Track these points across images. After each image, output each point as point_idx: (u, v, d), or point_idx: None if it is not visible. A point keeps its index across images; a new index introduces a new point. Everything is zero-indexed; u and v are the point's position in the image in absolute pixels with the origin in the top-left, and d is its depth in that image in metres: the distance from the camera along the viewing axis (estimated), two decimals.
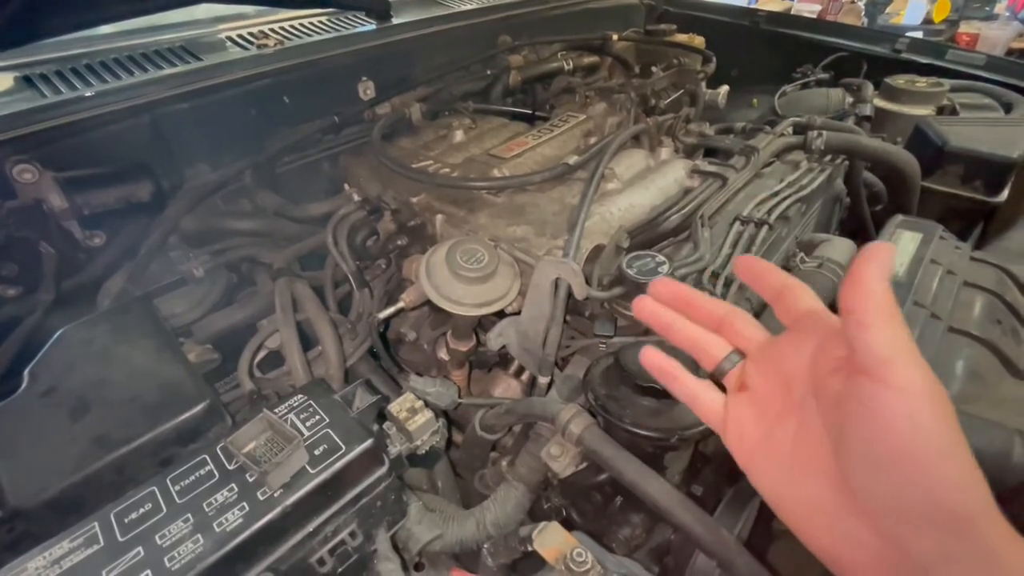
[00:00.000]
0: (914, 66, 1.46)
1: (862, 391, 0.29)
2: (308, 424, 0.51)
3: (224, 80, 1.01)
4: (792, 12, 3.40)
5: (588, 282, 0.71)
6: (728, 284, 0.77)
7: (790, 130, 1.04)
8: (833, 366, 0.33)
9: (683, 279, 0.71)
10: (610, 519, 0.67)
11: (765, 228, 0.83)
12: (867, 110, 1.23)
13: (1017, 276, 0.81)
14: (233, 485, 0.47)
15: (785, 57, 1.58)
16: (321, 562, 0.49)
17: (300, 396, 0.54)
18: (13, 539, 0.50)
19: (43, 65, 0.98)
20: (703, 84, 1.29)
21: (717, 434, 0.39)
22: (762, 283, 0.39)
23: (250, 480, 0.47)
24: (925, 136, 1.19)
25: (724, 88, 1.29)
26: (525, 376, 0.84)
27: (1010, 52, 3.24)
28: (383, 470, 0.52)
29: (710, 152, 1.09)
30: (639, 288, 0.68)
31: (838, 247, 0.90)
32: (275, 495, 0.46)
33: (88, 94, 0.90)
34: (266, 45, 1.11)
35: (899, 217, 0.90)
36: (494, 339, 0.79)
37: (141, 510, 0.46)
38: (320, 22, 1.26)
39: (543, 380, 0.74)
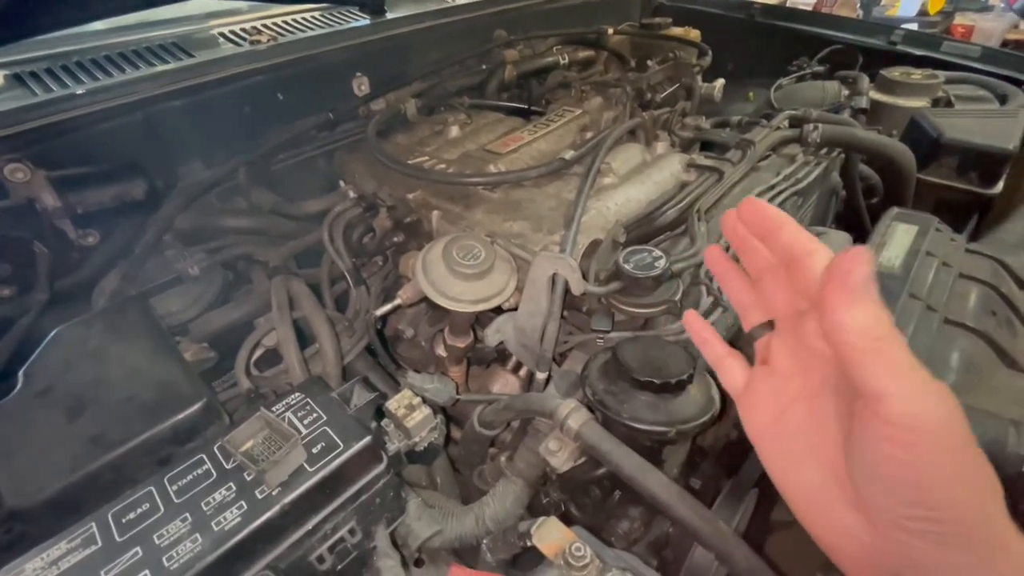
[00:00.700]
0: (910, 58, 1.46)
1: (863, 414, 0.28)
2: (306, 422, 0.51)
3: (217, 77, 1.00)
4: (787, 5, 3.39)
5: (585, 277, 0.71)
6: None
7: (786, 123, 1.04)
8: None
9: (680, 273, 0.71)
10: (609, 513, 0.67)
11: None
12: (863, 103, 1.23)
13: (1012, 267, 0.81)
14: (231, 484, 0.47)
15: (781, 50, 1.58)
16: (320, 560, 0.49)
17: (297, 394, 0.54)
18: (10, 540, 0.49)
19: (33, 63, 0.97)
20: (699, 78, 1.29)
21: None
22: (774, 241, 0.35)
23: (248, 479, 0.47)
24: (921, 128, 1.19)
25: (720, 82, 1.28)
26: (523, 372, 0.84)
27: (1005, 43, 3.25)
28: (381, 467, 0.52)
29: (706, 146, 1.09)
30: (636, 283, 0.68)
31: (834, 240, 0.90)
32: (273, 493, 0.46)
33: (79, 92, 0.89)
34: (259, 41, 1.10)
35: (895, 210, 0.90)
36: (491, 335, 0.79)
37: (139, 510, 0.46)
38: (314, 17, 1.25)
39: (541, 376, 0.74)
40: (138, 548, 0.43)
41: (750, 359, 0.40)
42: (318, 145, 1.13)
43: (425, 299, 0.76)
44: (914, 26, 3.24)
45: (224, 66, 1.02)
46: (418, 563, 0.61)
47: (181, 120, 0.97)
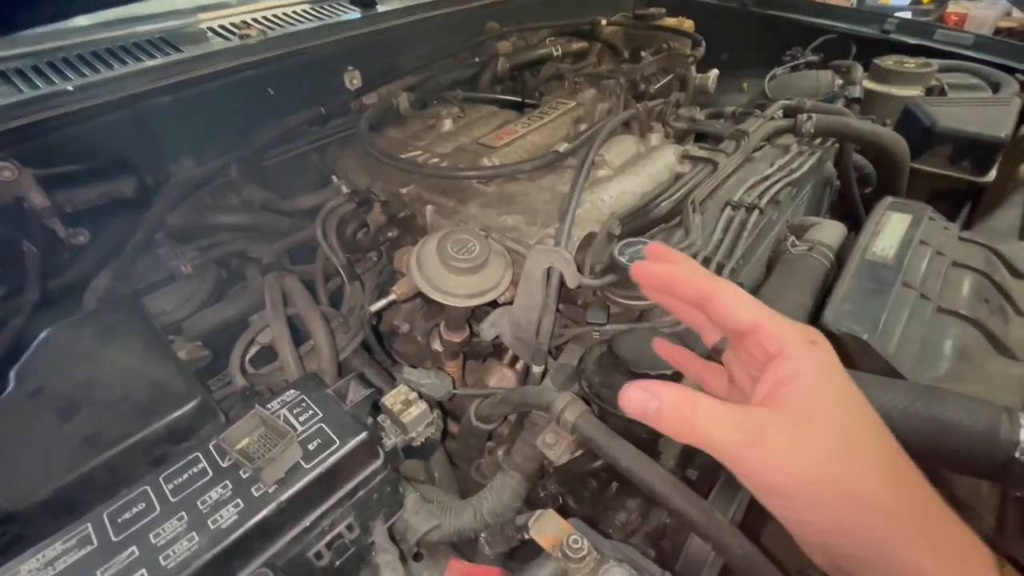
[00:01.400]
0: (903, 47, 1.46)
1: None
2: (301, 419, 0.51)
3: (206, 72, 0.99)
4: None
5: (580, 270, 0.71)
6: (720, 268, 0.77)
7: (780, 113, 1.04)
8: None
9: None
10: (606, 505, 0.68)
11: (756, 212, 0.83)
12: (856, 92, 1.23)
13: (1004, 255, 0.82)
14: (227, 482, 0.47)
15: (774, 40, 1.57)
16: (319, 556, 0.49)
17: (293, 391, 0.54)
18: (5, 543, 0.49)
19: (18, 60, 0.96)
20: (693, 68, 1.29)
21: None
22: (677, 294, 0.37)
23: (244, 477, 0.47)
24: (914, 117, 1.19)
25: (714, 72, 1.28)
26: (520, 366, 0.84)
27: (998, 31, 3.25)
28: (378, 463, 0.52)
29: (700, 137, 1.09)
30: (631, 275, 0.68)
31: (829, 230, 0.90)
32: (269, 491, 0.46)
33: (66, 88, 0.88)
34: (248, 35, 1.09)
35: (888, 199, 0.90)
36: (487, 329, 0.79)
37: (134, 509, 0.45)
38: (303, 11, 1.23)
39: (537, 369, 0.74)
40: (134, 547, 0.43)
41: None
42: (310, 140, 1.12)
43: (420, 294, 0.76)
44: (907, 14, 3.23)
45: (213, 61, 1.00)
46: (417, 557, 0.61)
47: (171, 116, 0.96)
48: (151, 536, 0.43)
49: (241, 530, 0.44)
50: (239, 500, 0.45)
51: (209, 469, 0.48)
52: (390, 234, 0.90)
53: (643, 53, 1.35)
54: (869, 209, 0.90)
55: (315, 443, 0.49)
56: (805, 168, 0.96)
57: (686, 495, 0.51)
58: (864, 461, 0.29)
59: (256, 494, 0.46)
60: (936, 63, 1.31)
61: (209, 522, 0.44)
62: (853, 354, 0.67)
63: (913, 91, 1.27)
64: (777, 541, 0.55)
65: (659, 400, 0.32)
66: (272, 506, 0.45)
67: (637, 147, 0.96)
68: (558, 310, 0.73)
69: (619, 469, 0.54)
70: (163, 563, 0.42)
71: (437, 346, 0.85)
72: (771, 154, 1.00)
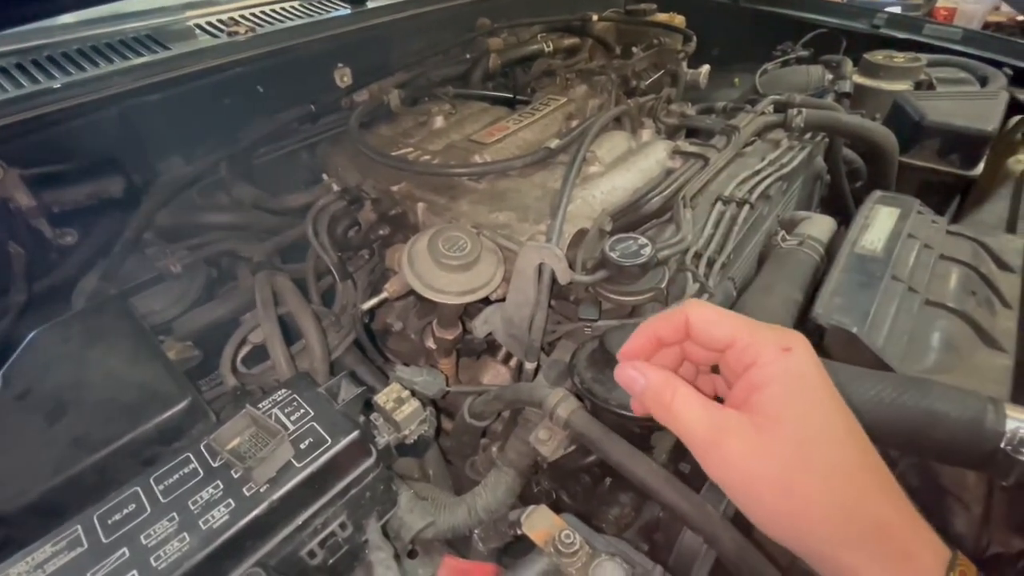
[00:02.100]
0: (892, 41, 1.47)
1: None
2: (293, 418, 0.51)
3: (195, 70, 0.98)
4: None
5: (572, 266, 0.71)
6: (711, 264, 0.77)
7: (770, 108, 1.04)
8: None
9: (666, 260, 0.72)
10: (599, 500, 0.68)
11: (747, 207, 0.83)
12: (846, 87, 1.23)
13: (992, 248, 0.83)
14: (218, 482, 0.46)
15: (765, 35, 1.57)
16: (312, 555, 0.49)
17: (284, 390, 0.54)
18: None
19: (3, 57, 0.94)
20: (684, 64, 1.29)
21: None
22: (665, 340, 0.39)
23: (235, 476, 0.47)
24: (903, 111, 1.20)
25: (705, 68, 1.28)
26: (513, 362, 0.84)
27: (986, 26, 3.27)
28: (370, 461, 0.52)
29: (691, 132, 1.09)
30: (622, 271, 0.68)
31: (819, 224, 0.91)
32: (261, 490, 0.46)
33: (52, 87, 0.87)
34: (237, 33, 1.08)
35: (877, 193, 0.91)
36: (480, 326, 0.79)
37: (125, 511, 0.45)
38: (292, 7, 1.23)
39: (530, 365, 0.74)
40: (125, 549, 0.42)
41: None
42: (300, 138, 1.11)
43: (412, 292, 0.76)
44: (897, 8, 3.24)
45: (202, 58, 1.00)
46: (411, 554, 0.61)
47: (159, 114, 0.95)
48: (142, 537, 0.43)
49: (232, 530, 0.43)
50: (230, 500, 0.45)
51: (200, 469, 0.48)
52: (381, 232, 0.89)
53: (634, 49, 1.35)
54: (859, 203, 0.91)
55: (307, 442, 0.49)
56: (795, 163, 0.96)
57: (678, 489, 0.51)
58: (814, 470, 0.30)
59: (247, 494, 0.45)
60: (925, 58, 1.32)
61: (200, 522, 0.44)
62: (843, 346, 0.67)
63: (902, 85, 1.28)
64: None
65: (646, 380, 0.37)
66: (263, 505, 0.45)
67: (628, 143, 0.96)
68: (550, 306, 0.73)
69: (612, 464, 0.55)
70: (154, 564, 0.41)
71: (430, 344, 0.85)
72: (762, 149, 1.00)
